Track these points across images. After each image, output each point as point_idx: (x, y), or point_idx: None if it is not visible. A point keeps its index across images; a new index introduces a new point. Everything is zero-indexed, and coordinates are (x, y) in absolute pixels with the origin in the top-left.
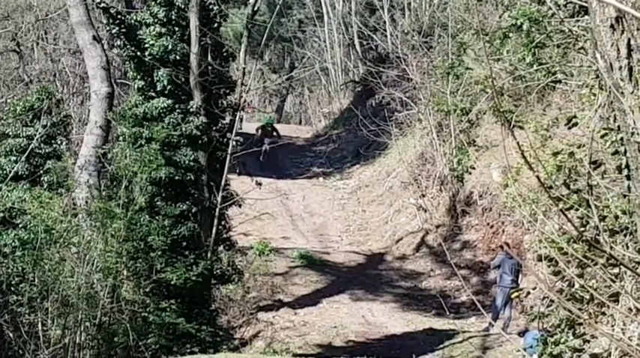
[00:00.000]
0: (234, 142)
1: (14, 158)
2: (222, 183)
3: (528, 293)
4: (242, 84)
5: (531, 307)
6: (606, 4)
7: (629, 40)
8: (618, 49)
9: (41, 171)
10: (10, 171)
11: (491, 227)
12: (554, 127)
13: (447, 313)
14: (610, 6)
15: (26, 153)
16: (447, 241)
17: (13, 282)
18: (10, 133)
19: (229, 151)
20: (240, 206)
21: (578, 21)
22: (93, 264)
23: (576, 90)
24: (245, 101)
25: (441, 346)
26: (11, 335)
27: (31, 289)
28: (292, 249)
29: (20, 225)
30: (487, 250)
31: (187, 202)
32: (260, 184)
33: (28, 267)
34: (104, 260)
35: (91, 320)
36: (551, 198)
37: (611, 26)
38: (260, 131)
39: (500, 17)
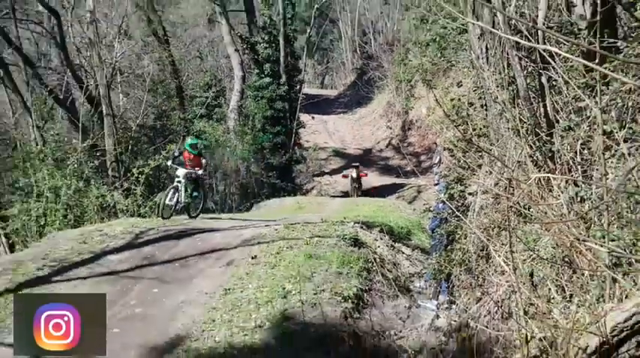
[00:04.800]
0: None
1: None
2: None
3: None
4: None
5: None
6: (477, 25)
7: (486, 45)
8: (481, 49)
9: None
10: None
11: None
12: (451, 87)
13: None
14: (477, 26)
15: None
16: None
17: None
18: None
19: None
20: (304, 127)
21: (463, 32)
22: None
23: (462, 69)
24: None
25: None
26: None
27: None
28: (329, 147)
29: None
30: None
31: None
32: (313, 117)
33: None
34: None
35: None
36: (450, 121)
37: (478, 37)
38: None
39: None
